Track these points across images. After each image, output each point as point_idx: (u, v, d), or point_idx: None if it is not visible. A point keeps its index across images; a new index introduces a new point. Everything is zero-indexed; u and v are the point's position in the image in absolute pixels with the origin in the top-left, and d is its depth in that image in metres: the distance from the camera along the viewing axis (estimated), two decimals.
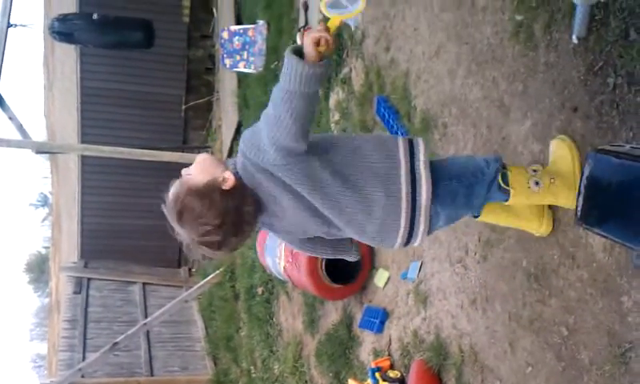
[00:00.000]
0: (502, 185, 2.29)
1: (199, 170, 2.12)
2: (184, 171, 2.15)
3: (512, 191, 2.30)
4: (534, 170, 2.39)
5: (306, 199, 2.11)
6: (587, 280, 2.45)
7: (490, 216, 2.53)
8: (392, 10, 4.32)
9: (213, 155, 2.31)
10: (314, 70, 1.93)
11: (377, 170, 2.13)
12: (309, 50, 1.94)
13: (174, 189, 2.09)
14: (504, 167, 2.33)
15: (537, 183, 2.35)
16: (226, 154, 9.02)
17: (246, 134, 2.13)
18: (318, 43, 1.94)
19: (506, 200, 2.34)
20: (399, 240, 2.21)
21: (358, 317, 4.49)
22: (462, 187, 2.22)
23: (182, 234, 2.07)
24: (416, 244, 2.27)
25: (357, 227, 2.20)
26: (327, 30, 1.98)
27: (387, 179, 2.13)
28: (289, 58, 1.94)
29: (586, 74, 2.49)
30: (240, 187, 2.08)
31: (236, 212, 2.06)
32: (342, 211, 2.15)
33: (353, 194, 2.12)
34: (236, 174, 2.09)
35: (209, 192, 2.04)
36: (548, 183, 2.37)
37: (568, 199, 2.39)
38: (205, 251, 2.11)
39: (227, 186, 2.06)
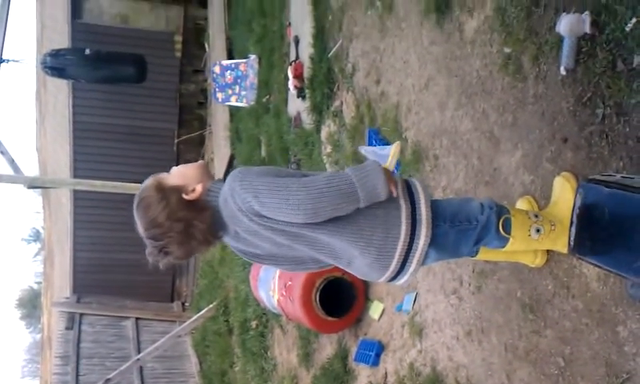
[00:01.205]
0: (503, 233, 2.24)
1: (180, 173, 2.17)
2: (174, 168, 2.21)
3: (511, 240, 2.27)
4: (536, 216, 2.35)
5: (293, 246, 2.12)
6: (582, 310, 2.44)
7: (487, 254, 2.52)
8: (382, 43, 4.36)
9: (207, 167, 2.28)
10: (386, 189, 2.02)
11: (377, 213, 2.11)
12: (391, 178, 2.07)
13: (149, 180, 2.16)
14: (507, 211, 2.28)
15: (538, 230, 2.31)
16: None
17: (248, 177, 2.03)
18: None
19: (503, 247, 2.30)
20: (386, 276, 2.20)
21: (354, 350, 4.46)
22: (453, 231, 2.19)
23: (137, 222, 2.13)
24: (401, 282, 2.25)
25: (345, 264, 2.20)
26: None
27: (387, 221, 2.11)
28: (375, 166, 2.02)
29: (575, 105, 2.51)
30: (202, 204, 2.11)
31: (186, 223, 2.07)
32: (334, 252, 2.15)
33: (348, 236, 2.09)
34: (207, 196, 2.10)
35: (169, 194, 2.10)
36: (549, 230, 2.34)
37: (566, 246, 2.30)
38: (150, 251, 2.14)
39: (190, 196, 2.10)
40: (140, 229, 2.13)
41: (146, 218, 2.10)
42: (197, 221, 2.09)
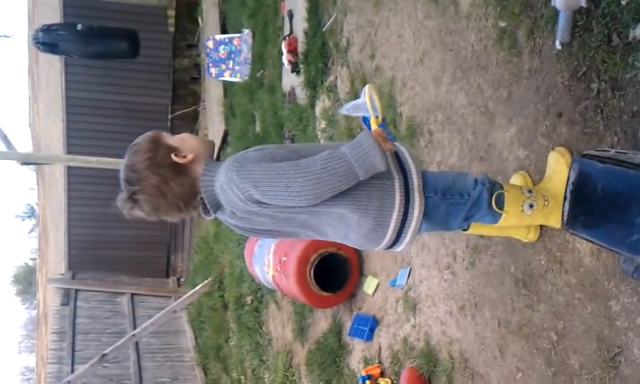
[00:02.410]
0: (495, 208, 2.23)
1: (183, 138, 2.20)
2: (181, 134, 2.24)
3: (504, 215, 2.26)
4: (530, 191, 2.35)
5: (291, 221, 2.15)
6: (575, 285, 2.46)
7: (479, 229, 2.52)
8: (376, 17, 4.32)
9: (213, 147, 2.29)
10: (382, 161, 2.01)
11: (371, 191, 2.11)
12: (386, 141, 2.08)
13: (151, 132, 2.19)
14: (501, 187, 2.27)
15: (531, 206, 2.31)
16: None
17: (245, 166, 2.02)
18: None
19: (495, 223, 2.30)
20: (382, 246, 2.22)
21: (348, 325, 4.48)
22: (443, 204, 2.20)
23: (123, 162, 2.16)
24: (398, 250, 2.27)
25: (342, 237, 2.21)
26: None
27: (381, 191, 2.12)
28: (368, 138, 2.01)
29: (570, 80, 2.50)
30: (186, 170, 2.12)
31: (162, 179, 2.10)
32: (332, 226, 2.16)
33: (344, 209, 2.10)
34: (203, 176, 2.11)
35: (160, 148, 2.12)
36: (542, 205, 2.33)
37: (559, 222, 2.35)
38: (121, 197, 2.14)
39: (178, 159, 2.11)
40: (121, 170, 2.16)
41: (129, 161, 2.14)
42: (174, 182, 2.11)
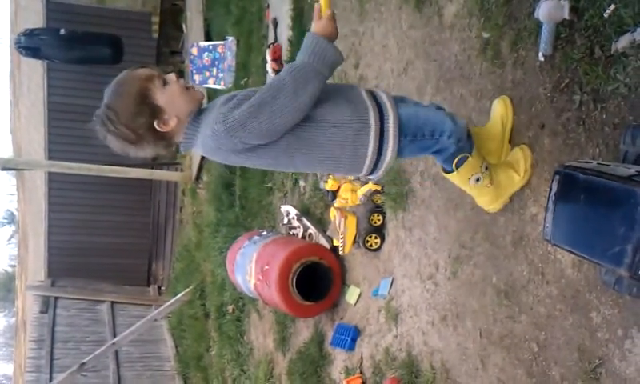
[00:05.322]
0: (453, 165, 2.40)
1: (172, 96, 2.19)
2: (173, 81, 2.22)
3: (455, 174, 2.44)
4: (486, 168, 2.51)
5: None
6: (557, 296, 2.46)
7: (455, 179, 2.59)
8: (361, 27, 4.33)
9: (201, 102, 2.31)
10: (339, 53, 2.14)
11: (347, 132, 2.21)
12: (332, 29, 2.16)
13: (147, 72, 2.20)
14: (470, 152, 2.40)
15: (477, 180, 2.50)
16: (195, 170, 8.95)
17: (230, 115, 2.10)
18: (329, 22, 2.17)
19: (446, 170, 2.48)
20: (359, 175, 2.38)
21: (330, 334, 4.46)
22: (412, 146, 2.31)
23: (108, 88, 2.21)
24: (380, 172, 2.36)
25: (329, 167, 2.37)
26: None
27: (355, 141, 2.23)
28: (317, 40, 2.10)
29: (552, 91, 2.51)
30: (165, 136, 2.21)
31: (138, 138, 2.18)
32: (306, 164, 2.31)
33: (319, 156, 2.24)
34: (184, 134, 2.21)
35: (144, 109, 2.15)
36: (484, 185, 2.54)
37: (486, 204, 2.71)
38: (97, 114, 2.20)
39: (159, 127, 2.17)
40: (105, 97, 2.20)
41: (112, 100, 2.17)
42: (148, 143, 2.20)
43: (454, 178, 2.52)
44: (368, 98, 2.27)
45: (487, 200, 2.68)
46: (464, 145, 2.37)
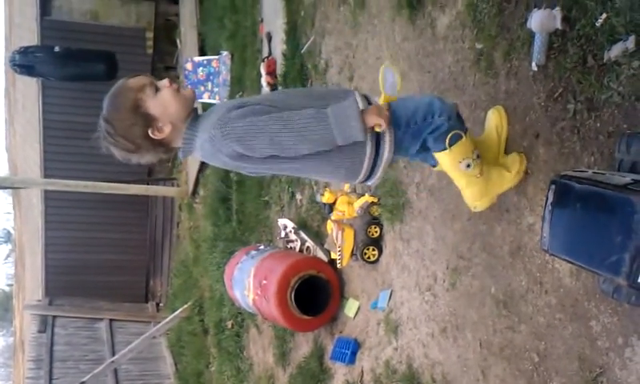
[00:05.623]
0: (446, 143, 2.35)
1: (165, 102, 2.23)
2: (165, 87, 2.25)
3: (447, 152, 2.39)
4: (478, 157, 2.48)
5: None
6: (556, 305, 2.45)
7: (446, 162, 2.55)
8: (354, 39, 4.34)
9: (193, 101, 2.35)
10: (361, 133, 2.12)
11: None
12: (374, 119, 2.16)
13: (138, 81, 2.24)
14: (463, 131, 2.39)
15: (468, 165, 2.46)
16: (191, 185, 8.94)
17: (229, 124, 2.13)
18: (381, 120, 2.17)
19: (437, 150, 2.41)
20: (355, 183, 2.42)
21: (330, 348, 4.44)
22: (407, 135, 2.32)
23: (105, 101, 2.26)
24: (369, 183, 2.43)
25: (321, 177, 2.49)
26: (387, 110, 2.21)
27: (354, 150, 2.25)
28: (356, 126, 2.10)
29: (546, 101, 2.51)
30: (162, 143, 2.26)
31: (137, 147, 2.26)
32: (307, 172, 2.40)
33: (318, 163, 2.27)
34: (183, 141, 2.25)
35: (138, 120, 2.21)
36: (475, 174, 2.50)
37: (470, 199, 2.61)
38: (101, 132, 2.27)
39: (154, 135, 2.23)
40: (103, 109, 2.26)
41: (109, 113, 2.24)
42: (148, 152, 2.28)
43: (445, 159, 2.45)
44: (363, 102, 2.27)
45: (474, 192, 2.58)
46: (455, 123, 2.37)
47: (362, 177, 2.35)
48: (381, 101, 2.31)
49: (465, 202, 2.71)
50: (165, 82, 2.27)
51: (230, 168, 2.38)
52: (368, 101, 2.31)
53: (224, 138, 2.13)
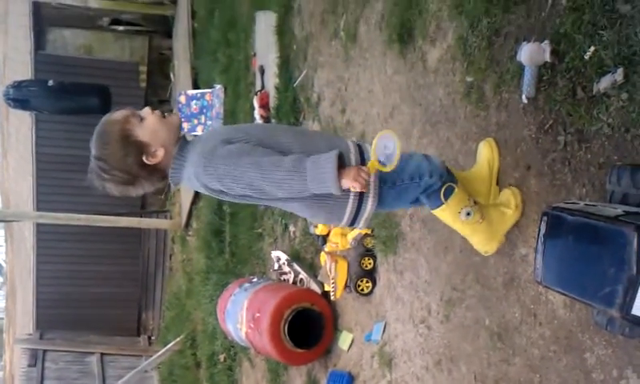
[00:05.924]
0: (442, 197, 2.40)
1: (153, 129, 2.24)
2: (148, 115, 2.27)
3: (444, 207, 2.43)
4: (475, 203, 2.51)
5: None
6: (550, 337, 2.44)
7: (447, 217, 2.56)
8: (346, 73, 4.38)
9: (180, 125, 2.37)
10: (336, 192, 2.14)
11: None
12: (349, 183, 2.14)
13: (121, 114, 2.27)
14: (454, 183, 2.43)
15: (468, 214, 2.49)
16: (184, 217, 8.91)
17: (212, 162, 2.18)
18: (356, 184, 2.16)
19: (432, 208, 2.46)
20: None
21: (323, 382, 4.39)
22: (393, 191, 2.34)
23: (93, 142, 2.27)
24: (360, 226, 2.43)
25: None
26: (368, 175, 2.19)
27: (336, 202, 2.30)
28: (333, 182, 2.10)
29: (537, 133, 2.53)
30: (156, 168, 2.27)
31: (134, 178, 2.27)
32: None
33: (298, 207, 2.36)
34: (172, 166, 2.25)
35: (131, 149, 2.22)
36: (476, 220, 2.52)
37: (479, 246, 2.66)
38: (92, 169, 2.29)
39: (149, 161, 2.24)
40: (92, 149, 2.27)
41: (99, 150, 2.25)
42: (145, 181, 2.28)
43: (444, 214, 2.51)
44: (355, 151, 2.31)
45: (482, 239, 2.63)
46: (447, 178, 2.42)
47: (344, 223, 2.38)
48: (369, 165, 2.22)
49: (459, 235, 2.73)
50: (147, 110, 2.30)
51: (210, 195, 2.41)
52: (360, 149, 2.33)
53: (206, 175, 2.19)
